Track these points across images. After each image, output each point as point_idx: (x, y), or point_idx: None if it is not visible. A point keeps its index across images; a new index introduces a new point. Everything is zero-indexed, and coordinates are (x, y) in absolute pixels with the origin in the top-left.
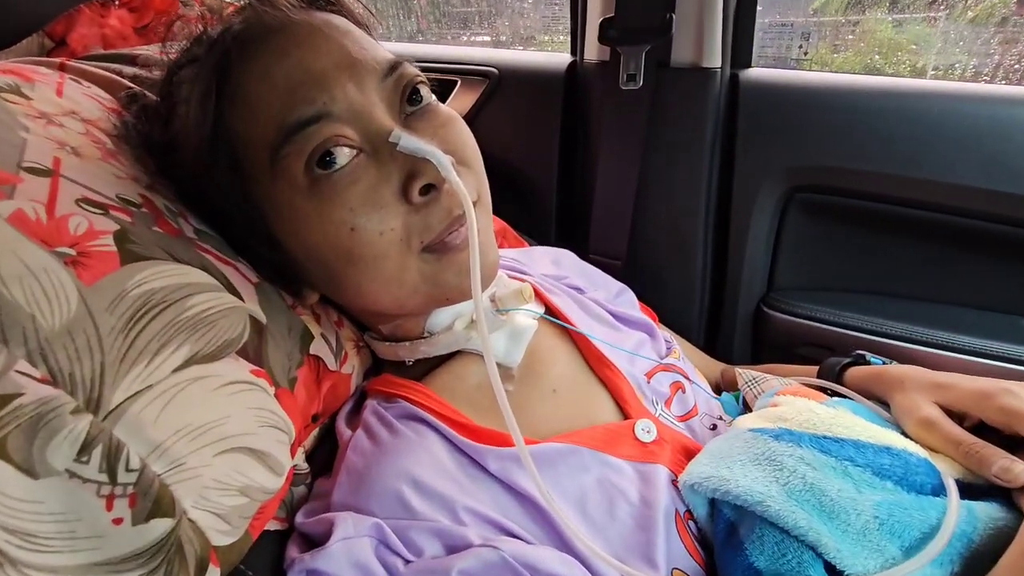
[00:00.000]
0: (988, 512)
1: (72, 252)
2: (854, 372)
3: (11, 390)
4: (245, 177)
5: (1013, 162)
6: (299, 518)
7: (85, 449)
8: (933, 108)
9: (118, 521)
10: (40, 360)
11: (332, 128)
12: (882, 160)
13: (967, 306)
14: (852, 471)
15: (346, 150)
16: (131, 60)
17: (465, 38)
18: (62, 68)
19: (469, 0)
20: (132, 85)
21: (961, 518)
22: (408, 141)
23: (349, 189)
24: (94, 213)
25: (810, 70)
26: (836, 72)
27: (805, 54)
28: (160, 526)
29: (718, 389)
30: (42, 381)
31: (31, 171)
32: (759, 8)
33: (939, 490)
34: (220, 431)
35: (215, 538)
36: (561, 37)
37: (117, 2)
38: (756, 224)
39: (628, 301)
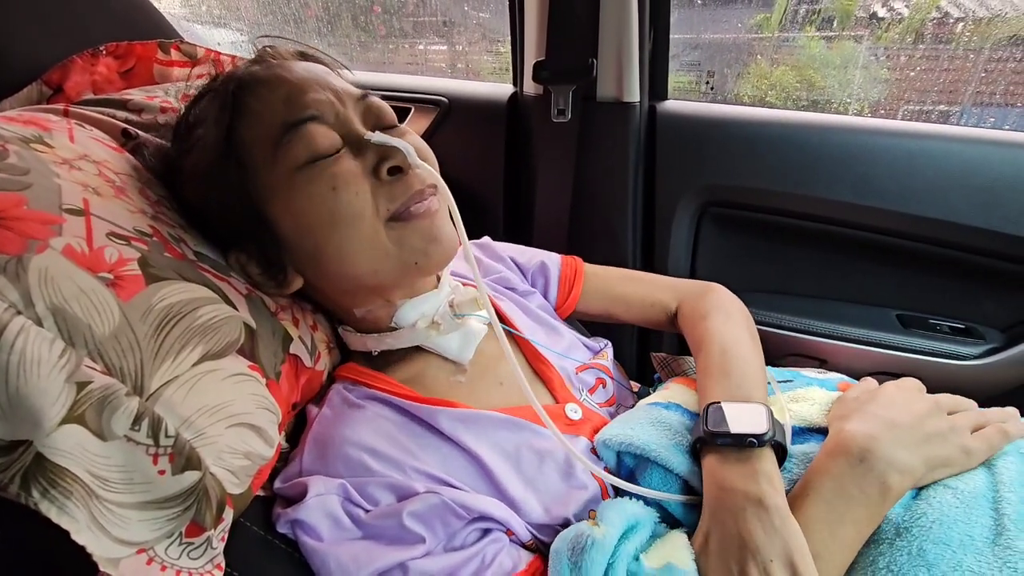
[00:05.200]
0: (803, 449)
1: (110, 276)
2: None
3: (84, 378)
4: (248, 171)
5: (877, 182)
6: (277, 483)
7: (137, 421)
8: (814, 137)
9: (162, 472)
10: (98, 357)
11: (322, 128)
12: (776, 180)
13: (850, 301)
14: None
15: (332, 145)
16: (122, 104)
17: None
18: (66, 114)
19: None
20: (126, 126)
21: None
22: (380, 136)
23: (333, 166)
24: (120, 244)
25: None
26: (738, 105)
27: (711, 88)
28: (191, 476)
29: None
30: (103, 372)
31: (70, 211)
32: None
33: None
34: (229, 410)
35: (229, 488)
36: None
37: (104, 50)
38: (676, 234)
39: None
